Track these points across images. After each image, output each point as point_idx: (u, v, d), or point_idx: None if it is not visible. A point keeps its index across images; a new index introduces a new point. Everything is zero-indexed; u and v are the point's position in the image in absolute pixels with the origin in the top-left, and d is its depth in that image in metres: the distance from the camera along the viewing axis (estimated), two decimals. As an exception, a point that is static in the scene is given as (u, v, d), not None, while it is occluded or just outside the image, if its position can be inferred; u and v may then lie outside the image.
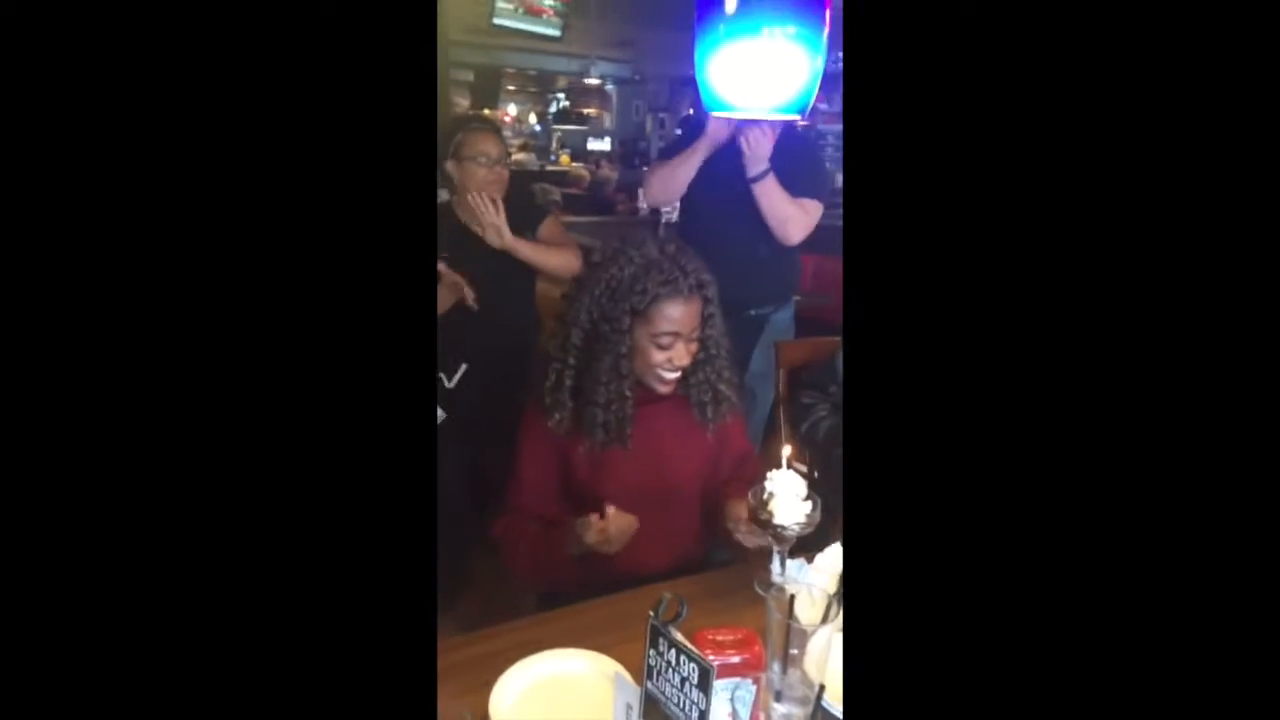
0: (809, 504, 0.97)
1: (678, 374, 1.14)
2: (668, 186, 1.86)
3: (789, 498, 0.97)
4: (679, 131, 2.03)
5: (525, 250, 1.73)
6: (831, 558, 1.06)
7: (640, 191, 1.83)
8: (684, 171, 1.82)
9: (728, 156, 1.80)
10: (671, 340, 1.10)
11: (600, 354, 1.09)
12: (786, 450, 0.99)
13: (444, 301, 1.63)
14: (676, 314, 1.08)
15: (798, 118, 1.13)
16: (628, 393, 1.11)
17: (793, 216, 1.83)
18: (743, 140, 1.73)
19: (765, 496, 0.98)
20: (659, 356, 1.11)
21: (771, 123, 1.72)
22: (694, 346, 1.13)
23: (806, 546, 1.04)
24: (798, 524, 0.97)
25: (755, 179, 1.77)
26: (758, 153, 1.73)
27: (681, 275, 1.08)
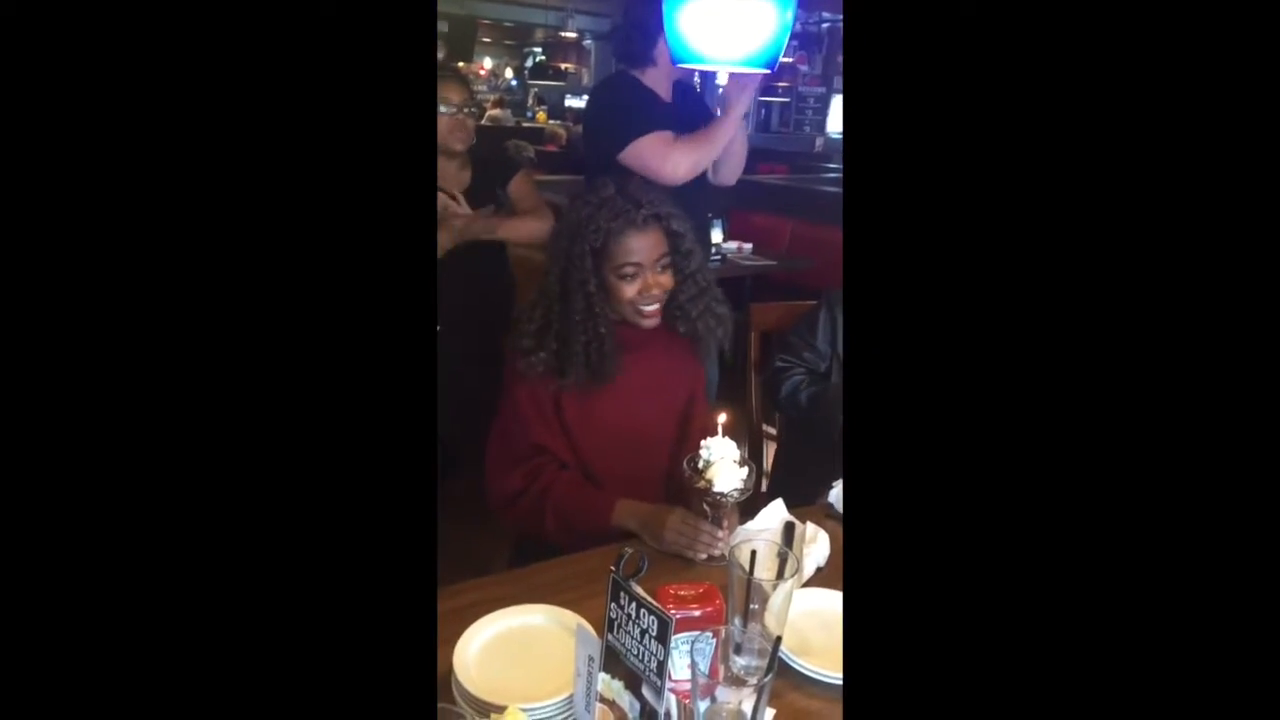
0: (745, 469, 0.98)
1: (656, 306, 1.15)
2: (700, 165, 1.68)
3: (727, 464, 0.97)
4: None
5: (499, 230, 1.69)
6: (764, 520, 1.07)
7: (663, 162, 1.66)
8: (717, 151, 1.69)
9: (675, 113, 1.74)
10: (634, 270, 1.12)
11: (573, 295, 1.11)
12: (722, 417, 0.99)
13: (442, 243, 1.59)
14: (633, 245, 1.11)
15: (764, 70, 1.11)
16: (603, 330, 1.12)
17: (743, 155, 1.84)
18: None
19: (702, 465, 0.98)
20: (629, 290, 1.13)
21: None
22: (665, 278, 1.14)
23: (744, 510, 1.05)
24: (736, 490, 0.98)
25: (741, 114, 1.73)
26: (750, 84, 1.68)
27: (634, 207, 1.10)
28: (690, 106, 1.81)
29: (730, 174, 1.84)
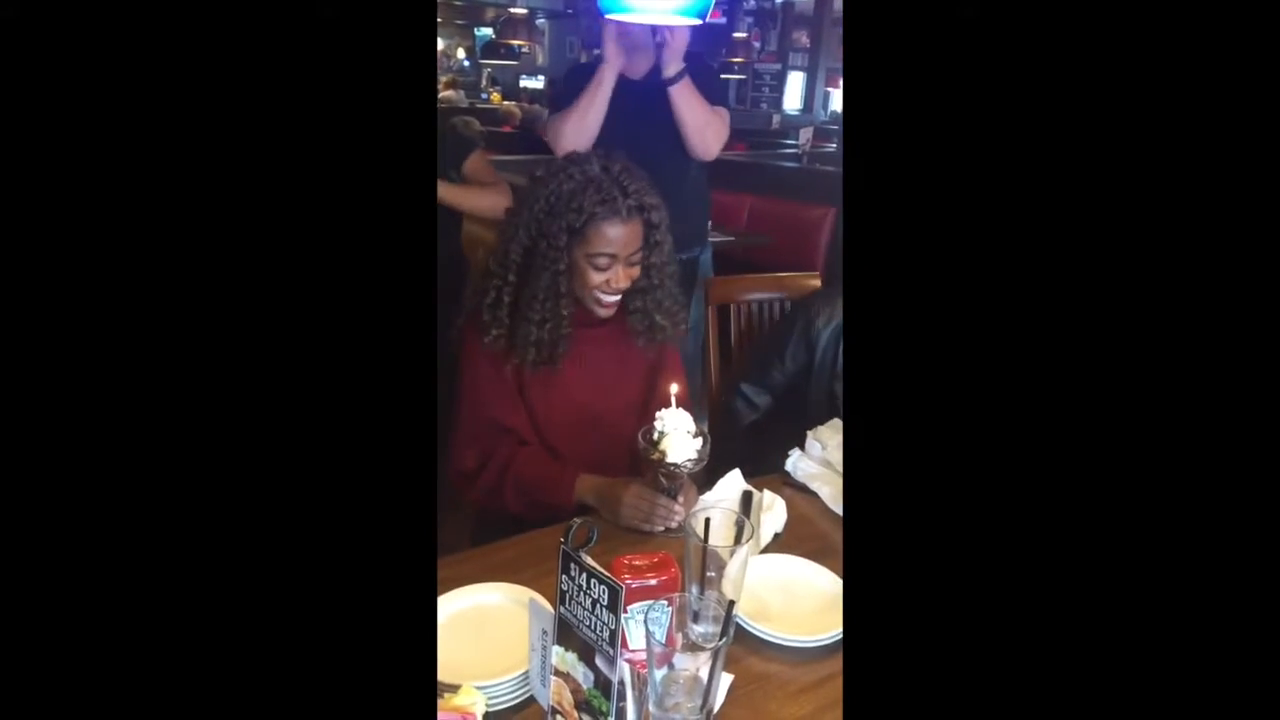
0: (699, 440, 0.98)
1: (617, 297, 1.11)
2: (580, 132, 1.71)
3: (680, 435, 0.97)
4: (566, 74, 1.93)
5: (448, 195, 1.65)
6: (722, 490, 1.08)
7: (551, 141, 1.71)
8: (595, 113, 1.72)
9: (639, 93, 1.73)
10: (608, 262, 1.07)
11: (538, 271, 1.06)
12: (675, 388, 0.99)
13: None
14: (613, 234, 1.05)
15: (696, 20, 1.09)
16: (564, 312, 1.08)
17: (711, 123, 1.78)
18: (666, 33, 1.65)
19: (655, 436, 0.98)
20: (596, 278, 1.08)
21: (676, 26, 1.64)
22: (634, 271, 1.10)
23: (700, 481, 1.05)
24: (690, 460, 0.97)
25: (673, 81, 1.70)
26: (676, 47, 1.66)
27: (621, 195, 1.04)
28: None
29: (699, 138, 1.77)
